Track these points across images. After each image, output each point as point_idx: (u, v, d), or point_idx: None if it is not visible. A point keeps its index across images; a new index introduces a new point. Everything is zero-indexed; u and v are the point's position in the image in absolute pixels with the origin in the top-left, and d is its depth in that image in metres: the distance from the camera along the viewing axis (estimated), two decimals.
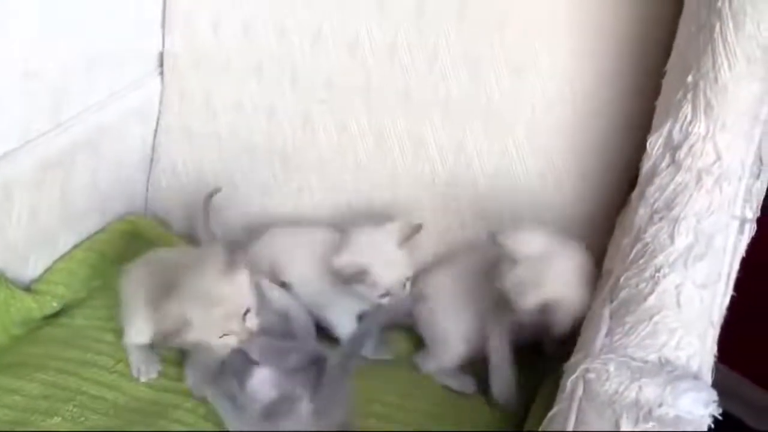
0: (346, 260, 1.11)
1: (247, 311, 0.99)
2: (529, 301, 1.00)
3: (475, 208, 1.23)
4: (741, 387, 1.47)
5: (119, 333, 1.18)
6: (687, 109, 0.89)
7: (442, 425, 1.06)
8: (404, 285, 1.12)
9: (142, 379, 1.12)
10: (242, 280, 1.01)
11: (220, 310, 0.98)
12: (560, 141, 1.19)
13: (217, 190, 1.26)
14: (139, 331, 1.11)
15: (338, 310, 1.17)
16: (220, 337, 0.98)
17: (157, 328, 1.01)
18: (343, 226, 1.20)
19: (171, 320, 0.98)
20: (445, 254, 1.24)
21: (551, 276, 1.01)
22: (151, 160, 1.44)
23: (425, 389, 1.13)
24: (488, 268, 1.08)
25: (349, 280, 1.10)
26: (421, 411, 1.08)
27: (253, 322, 1.00)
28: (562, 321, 1.00)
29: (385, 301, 1.11)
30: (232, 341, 0.99)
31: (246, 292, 1.01)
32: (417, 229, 1.13)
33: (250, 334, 0.99)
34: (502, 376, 1.09)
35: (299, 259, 1.20)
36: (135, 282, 1.13)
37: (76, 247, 1.31)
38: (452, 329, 1.14)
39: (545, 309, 1.00)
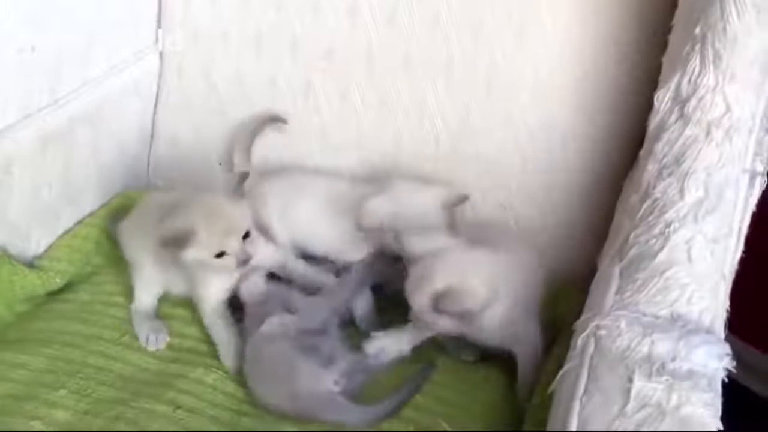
0: (371, 208, 1.09)
1: (248, 234, 1.05)
2: (422, 296, 0.97)
3: (479, 174, 1.21)
4: (746, 354, 1.46)
5: (124, 307, 1.19)
6: (695, 61, 0.88)
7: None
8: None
9: (151, 349, 1.12)
10: (245, 206, 1.08)
11: (223, 224, 1.04)
12: (565, 103, 1.18)
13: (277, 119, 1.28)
14: (149, 282, 1.16)
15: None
16: (219, 255, 1.04)
17: (162, 237, 1.04)
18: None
19: (176, 230, 1.04)
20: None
21: (440, 268, 0.97)
22: (152, 134, 1.43)
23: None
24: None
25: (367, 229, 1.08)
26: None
27: (252, 247, 1.06)
28: (461, 312, 0.96)
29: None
30: (230, 262, 1.04)
31: (247, 216, 1.08)
32: (462, 198, 1.10)
33: (247, 259, 1.05)
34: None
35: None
36: (135, 233, 1.17)
37: (78, 223, 1.31)
38: None
39: (440, 302, 0.95)
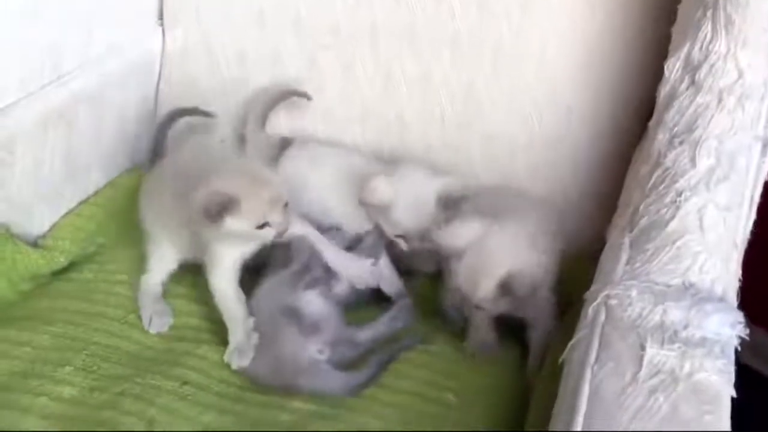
0: (374, 185, 1.08)
1: (287, 204, 1.01)
2: (484, 288, 0.98)
3: (485, 149, 1.20)
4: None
5: (129, 286, 1.18)
6: (707, 27, 0.87)
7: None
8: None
9: (153, 331, 1.11)
10: (281, 174, 1.05)
11: (267, 193, 0.99)
12: (572, 77, 1.17)
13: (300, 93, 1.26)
14: (164, 256, 1.14)
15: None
16: (261, 226, 0.99)
17: (203, 205, 0.98)
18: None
19: (219, 197, 0.97)
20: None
21: (495, 256, 0.99)
22: (155, 112, 1.41)
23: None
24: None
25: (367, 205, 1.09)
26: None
27: (289, 218, 1.01)
28: (525, 292, 0.98)
29: (401, 244, 1.10)
30: (269, 233, 1.00)
31: (286, 184, 1.02)
32: (461, 198, 1.07)
33: (284, 230, 1.00)
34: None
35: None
36: (153, 200, 1.15)
37: (82, 202, 1.30)
38: None
39: (504, 289, 0.98)
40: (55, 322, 1.10)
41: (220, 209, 0.97)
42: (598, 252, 0.96)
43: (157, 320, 1.11)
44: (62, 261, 1.23)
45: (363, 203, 1.10)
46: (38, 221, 1.24)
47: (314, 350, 1.00)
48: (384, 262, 1.13)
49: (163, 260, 1.16)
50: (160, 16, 1.38)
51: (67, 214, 1.27)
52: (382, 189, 1.08)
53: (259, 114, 1.29)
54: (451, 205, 1.06)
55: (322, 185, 1.18)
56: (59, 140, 1.24)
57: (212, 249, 1.06)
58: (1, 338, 1.06)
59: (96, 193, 1.32)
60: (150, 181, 1.20)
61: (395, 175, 1.10)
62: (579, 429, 0.67)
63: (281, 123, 1.32)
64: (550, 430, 0.73)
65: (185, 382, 1.00)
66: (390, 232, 1.10)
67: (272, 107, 1.30)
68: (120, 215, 1.31)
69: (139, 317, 1.12)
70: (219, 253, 1.06)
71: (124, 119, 1.37)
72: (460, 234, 1.02)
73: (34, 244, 1.22)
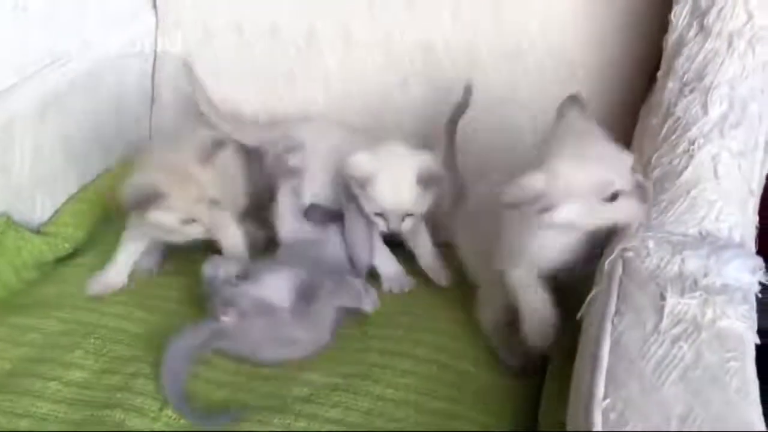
0: (357, 161, 1.07)
1: (217, 203, 1.03)
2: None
3: (491, 113, 1.18)
4: None
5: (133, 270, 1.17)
6: None
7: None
8: (402, 218, 1.08)
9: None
10: (217, 170, 1.04)
11: (195, 190, 1.00)
12: (576, 33, 1.15)
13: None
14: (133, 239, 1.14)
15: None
16: (185, 222, 1.01)
17: (129, 195, 1.00)
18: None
19: (144, 189, 0.99)
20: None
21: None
22: (152, 95, 1.39)
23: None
24: None
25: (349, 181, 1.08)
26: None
27: (216, 216, 1.03)
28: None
29: (379, 224, 1.09)
30: (195, 230, 1.02)
31: (217, 183, 1.04)
32: (436, 178, 1.07)
33: (210, 228, 1.02)
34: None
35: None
36: None
37: (82, 187, 1.29)
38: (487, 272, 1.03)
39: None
40: (63, 308, 1.09)
41: (147, 201, 0.99)
42: None
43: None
44: (67, 247, 1.22)
45: (344, 177, 1.09)
46: (39, 208, 1.23)
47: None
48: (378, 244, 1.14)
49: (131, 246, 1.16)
50: None
51: (68, 200, 1.27)
52: (363, 163, 1.07)
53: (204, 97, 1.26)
54: (429, 184, 1.06)
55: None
56: (57, 124, 1.23)
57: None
58: (10, 325, 1.05)
59: (97, 177, 1.31)
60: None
61: (378, 151, 1.08)
62: (603, 380, 0.65)
63: (281, 94, 1.30)
64: (572, 383, 0.72)
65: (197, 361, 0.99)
66: (368, 209, 1.09)
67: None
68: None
69: (147, 297, 1.11)
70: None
71: (122, 102, 1.35)
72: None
73: (37, 231, 1.21)
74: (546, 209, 0.81)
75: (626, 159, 0.83)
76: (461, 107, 1.12)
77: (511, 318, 0.98)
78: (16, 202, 1.19)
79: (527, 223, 0.87)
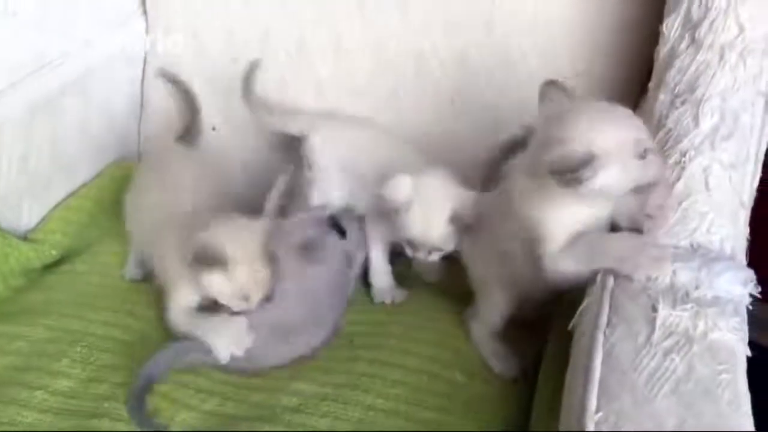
0: (396, 184, 1.03)
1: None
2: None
3: (484, 122, 1.18)
4: None
5: (122, 278, 1.18)
6: None
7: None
8: (429, 251, 1.05)
9: (126, 278, 1.17)
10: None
11: (261, 274, 0.98)
12: (567, 43, 1.15)
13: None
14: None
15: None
16: (236, 296, 0.98)
17: (194, 251, 0.96)
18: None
19: (215, 249, 0.96)
20: None
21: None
22: (141, 102, 1.38)
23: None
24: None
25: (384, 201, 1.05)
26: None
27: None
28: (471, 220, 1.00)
29: (407, 250, 1.07)
30: (241, 307, 0.99)
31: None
32: (467, 222, 1.03)
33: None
34: None
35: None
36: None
37: (70, 194, 1.28)
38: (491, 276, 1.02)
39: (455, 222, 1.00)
40: (49, 315, 1.08)
41: (212, 262, 0.96)
42: None
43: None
44: (54, 254, 1.21)
45: (380, 198, 1.05)
46: (27, 215, 1.22)
47: None
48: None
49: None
50: (143, 3, 1.35)
51: (56, 207, 1.26)
52: (401, 188, 1.03)
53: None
54: (461, 225, 1.03)
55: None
56: (46, 131, 1.23)
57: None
58: None
59: (85, 185, 1.30)
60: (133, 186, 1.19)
61: (419, 177, 1.04)
62: (595, 393, 0.65)
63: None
64: (564, 395, 0.71)
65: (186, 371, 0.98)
66: (398, 235, 1.06)
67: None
68: (110, 206, 1.29)
69: (135, 304, 1.10)
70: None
71: (110, 109, 1.35)
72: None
73: (24, 238, 1.20)
74: (590, 176, 0.77)
75: (637, 118, 0.81)
76: (510, 147, 1.07)
77: (506, 327, 1.00)
78: (3, 208, 1.18)
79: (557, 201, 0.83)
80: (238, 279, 0.97)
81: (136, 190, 1.16)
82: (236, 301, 0.99)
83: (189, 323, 1.00)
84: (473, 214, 1.02)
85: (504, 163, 1.06)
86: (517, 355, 1.00)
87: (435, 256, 1.06)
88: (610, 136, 0.78)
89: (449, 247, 1.05)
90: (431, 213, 1.02)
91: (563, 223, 0.84)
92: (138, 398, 0.92)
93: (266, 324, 1.00)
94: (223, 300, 0.99)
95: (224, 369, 0.99)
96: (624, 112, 0.81)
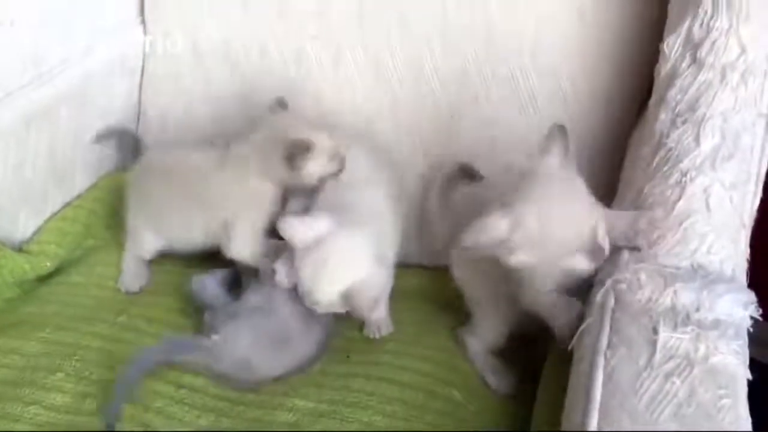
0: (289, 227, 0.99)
1: None
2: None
3: (482, 136, 1.18)
4: None
5: (118, 290, 1.17)
6: (707, 3, 0.85)
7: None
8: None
9: (123, 290, 1.16)
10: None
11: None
12: (567, 58, 1.14)
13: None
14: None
15: None
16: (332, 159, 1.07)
17: (285, 152, 1.05)
18: None
19: (295, 144, 1.05)
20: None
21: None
22: (139, 111, 1.38)
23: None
24: None
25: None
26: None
27: None
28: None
29: None
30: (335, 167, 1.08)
31: None
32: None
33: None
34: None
35: None
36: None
37: (66, 205, 1.27)
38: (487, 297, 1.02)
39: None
40: (44, 328, 1.07)
41: (302, 149, 1.05)
42: None
43: (129, 281, 1.18)
44: (48, 266, 1.20)
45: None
46: (22, 226, 1.21)
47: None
48: None
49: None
50: (141, 12, 1.35)
51: (51, 217, 1.24)
52: (296, 232, 0.99)
53: None
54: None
55: None
56: (42, 141, 1.21)
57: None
58: None
59: (80, 195, 1.29)
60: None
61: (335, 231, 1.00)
62: (596, 416, 0.65)
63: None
64: (563, 418, 0.71)
65: (181, 386, 0.97)
66: None
67: None
68: (106, 217, 1.29)
69: (132, 317, 1.10)
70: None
71: (108, 119, 1.33)
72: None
73: (19, 249, 1.19)
74: (504, 253, 0.83)
75: (592, 216, 0.83)
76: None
77: (504, 344, 0.99)
78: None
79: None
80: (324, 145, 1.06)
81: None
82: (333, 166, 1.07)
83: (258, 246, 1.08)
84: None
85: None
86: (514, 372, 1.00)
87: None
88: (534, 229, 0.83)
89: (335, 309, 0.99)
90: (324, 272, 0.97)
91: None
92: (121, 394, 0.93)
93: (267, 334, 1.00)
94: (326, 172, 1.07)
95: (223, 382, 0.98)
96: (572, 208, 0.84)
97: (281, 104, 1.13)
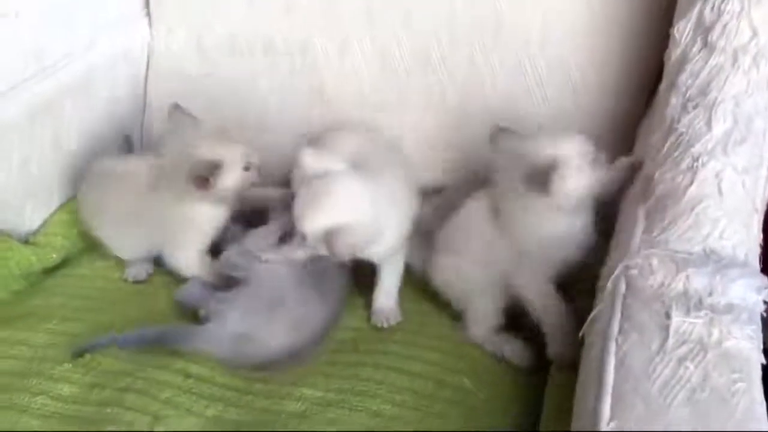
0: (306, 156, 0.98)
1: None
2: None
3: (490, 126, 1.17)
4: None
5: (125, 281, 1.17)
6: None
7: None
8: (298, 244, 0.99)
9: (130, 279, 1.16)
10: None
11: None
12: (576, 49, 1.14)
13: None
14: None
15: None
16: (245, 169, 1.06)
17: (192, 173, 1.02)
18: None
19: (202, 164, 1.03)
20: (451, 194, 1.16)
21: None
22: (144, 103, 1.37)
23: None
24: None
25: None
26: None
27: None
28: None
29: None
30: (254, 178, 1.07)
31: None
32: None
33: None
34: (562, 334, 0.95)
35: None
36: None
37: (73, 197, 1.26)
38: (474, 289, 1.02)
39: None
40: (51, 319, 1.07)
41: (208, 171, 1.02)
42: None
43: (135, 270, 1.17)
44: (54, 258, 1.20)
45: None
46: (28, 218, 1.21)
47: None
48: None
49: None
50: (146, 5, 1.34)
51: (57, 209, 1.25)
52: (311, 161, 0.98)
53: None
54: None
55: None
56: (47, 134, 1.21)
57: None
58: None
59: None
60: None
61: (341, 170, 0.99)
62: (608, 401, 0.64)
63: (278, 105, 1.28)
64: (575, 405, 0.70)
65: (188, 375, 0.97)
66: None
67: None
68: None
69: (139, 310, 1.09)
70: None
71: (113, 111, 1.33)
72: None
73: (25, 241, 1.19)
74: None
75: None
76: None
77: (506, 321, 1.01)
78: (4, 211, 1.17)
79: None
80: (234, 158, 1.04)
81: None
82: (249, 176, 1.05)
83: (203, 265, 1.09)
84: None
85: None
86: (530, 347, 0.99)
87: (300, 252, 0.99)
88: (570, 148, 0.92)
89: (316, 251, 0.97)
90: (316, 202, 0.95)
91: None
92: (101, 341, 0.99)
93: (263, 301, 1.00)
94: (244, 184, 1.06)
95: (234, 367, 0.98)
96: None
97: (179, 111, 1.11)
